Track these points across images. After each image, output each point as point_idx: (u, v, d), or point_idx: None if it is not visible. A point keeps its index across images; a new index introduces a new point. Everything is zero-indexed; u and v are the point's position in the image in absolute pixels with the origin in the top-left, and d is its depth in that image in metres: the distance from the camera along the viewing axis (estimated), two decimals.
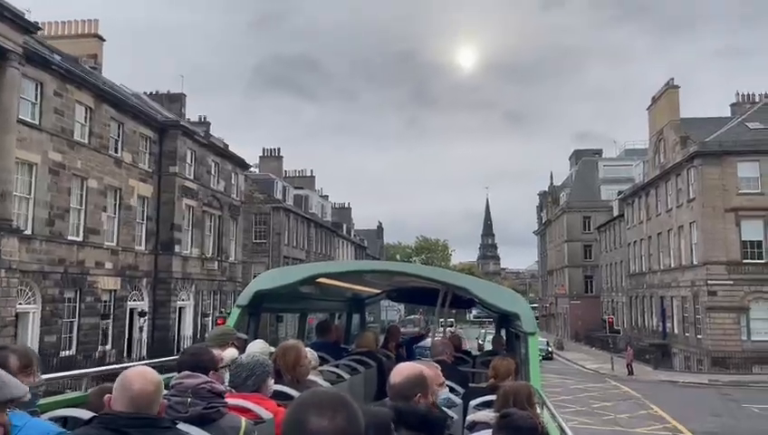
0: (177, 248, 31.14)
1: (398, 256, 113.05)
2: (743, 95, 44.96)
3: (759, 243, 35.17)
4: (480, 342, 42.17)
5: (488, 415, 3.76)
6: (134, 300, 28.80)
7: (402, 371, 2.99)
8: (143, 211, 29.74)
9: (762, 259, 35.00)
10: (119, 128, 27.65)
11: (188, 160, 32.91)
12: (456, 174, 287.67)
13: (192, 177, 33.12)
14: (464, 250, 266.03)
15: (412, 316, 78.12)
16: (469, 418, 4.06)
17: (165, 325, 30.15)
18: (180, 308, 31.84)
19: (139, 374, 2.32)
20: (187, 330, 32.09)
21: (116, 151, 27.43)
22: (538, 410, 4.09)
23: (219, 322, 25.56)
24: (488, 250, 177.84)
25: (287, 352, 3.97)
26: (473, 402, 4.57)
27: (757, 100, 43.44)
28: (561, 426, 3.91)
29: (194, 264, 33.23)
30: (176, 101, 39.46)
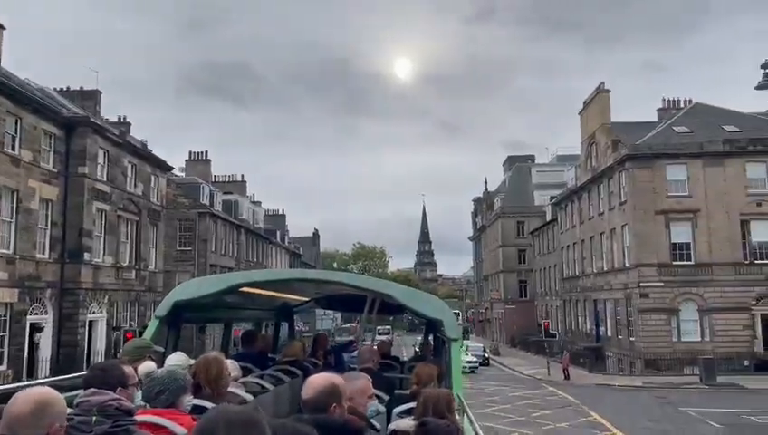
0: (86, 256, 28.46)
1: (335, 264, 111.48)
2: (668, 101, 46.00)
3: (687, 245, 35.61)
4: (416, 349, 41.17)
5: (409, 423, 3.64)
6: (35, 314, 26.00)
7: (313, 384, 2.87)
8: (47, 215, 26.97)
9: (690, 261, 35.45)
10: (16, 123, 24.90)
11: (100, 161, 30.26)
12: (393, 182, 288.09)
13: (105, 178, 30.48)
14: (401, 257, 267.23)
15: (348, 325, 76.54)
16: (390, 426, 3.99)
17: (72, 341, 27.39)
18: (91, 322, 29.10)
19: (22, 395, 2.19)
20: (99, 345, 29.37)
21: (12, 149, 24.66)
22: (458, 417, 4.04)
23: (128, 336, 23.33)
24: (425, 257, 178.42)
25: (210, 364, 3.73)
26: (396, 410, 4.52)
27: (682, 105, 44.51)
28: (477, 433, 3.83)
29: (107, 273, 30.56)
30: (90, 98, 36.53)
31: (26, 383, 4.04)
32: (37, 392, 2.23)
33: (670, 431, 18.91)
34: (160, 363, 4.28)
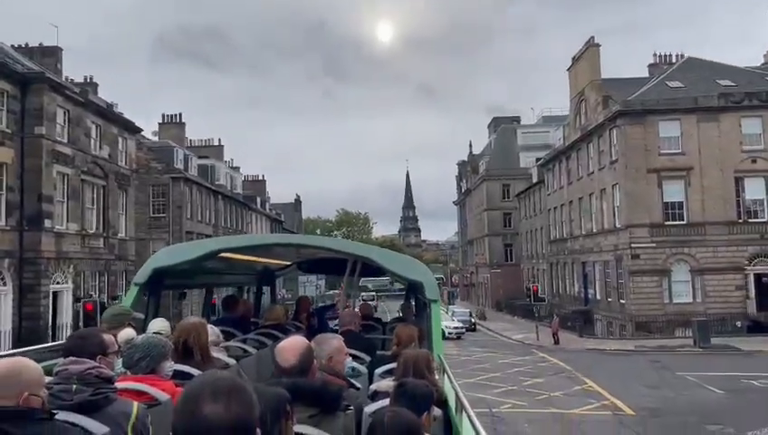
0: (47, 223, 26.57)
1: (318, 231, 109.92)
2: (660, 56, 44.46)
3: (680, 204, 34.48)
4: (399, 312, 40.09)
5: (390, 384, 3.62)
6: None
7: (293, 350, 2.84)
8: (1, 180, 24.96)
9: (683, 220, 34.36)
10: None
11: (60, 121, 28.12)
12: (376, 148, 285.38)
13: (66, 140, 28.38)
14: (385, 223, 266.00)
15: (332, 291, 75.45)
16: (372, 387, 4.07)
17: (35, 313, 25.68)
18: (55, 293, 27.38)
19: None
20: (66, 318, 27.68)
21: None
22: (437, 377, 4.11)
23: (88, 307, 21.75)
24: (409, 223, 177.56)
25: (199, 330, 3.80)
26: (378, 370, 4.52)
27: (674, 60, 42.99)
28: (456, 392, 3.66)
29: (72, 241, 28.71)
30: (50, 55, 34.22)
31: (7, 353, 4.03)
32: (2, 363, 2.19)
33: (670, 399, 17.84)
34: (141, 330, 4.24)
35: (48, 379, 2.41)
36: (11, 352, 4.28)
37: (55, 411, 2.30)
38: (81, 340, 3.12)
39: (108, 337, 3.23)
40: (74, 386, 2.55)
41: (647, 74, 43.32)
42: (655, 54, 44.57)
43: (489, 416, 15.26)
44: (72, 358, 2.75)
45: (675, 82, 37.40)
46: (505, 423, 15.17)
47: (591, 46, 39.96)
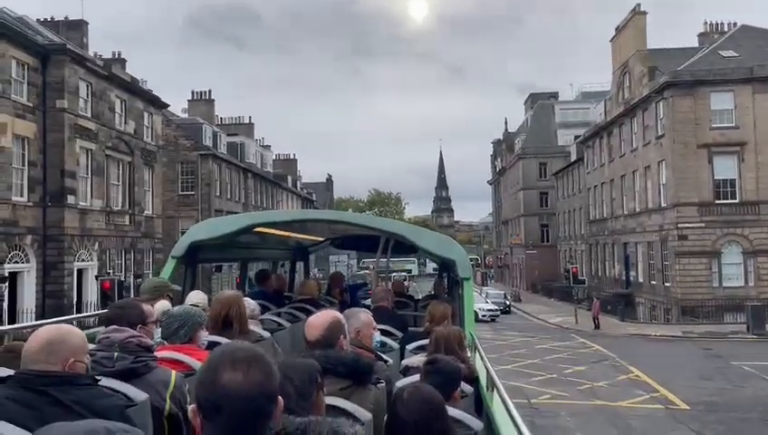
0: (71, 199, 26.01)
1: (350, 210, 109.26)
2: (710, 24, 41.75)
3: (732, 181, 32.28)
4: (430, 291, 38.92)
5: (422, 360, 3.62)
6: (15, 262, 23.77)
7: (318, 324, 2.87)
8: (23, 154, 24.38)
9: (735, 199, 32.19)
10: None
11: (83, 94, 27.43)
12: (409, 128, 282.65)
13: (89, 114, 27.70)
14: (418, 204, 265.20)
15: (362, 271, 74.70)
16: (404, 362, 4.13)
17: (58, 291, 25.21)
18: (80, 270, 26.92)
19: (37, 332, 2.23)
20: (90, 295, 27.18)
21: None
22: (469, 354, 4.16)
23: (105, 286, 21.06)
24: (442, 203, 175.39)
25: (239, 302, 3.84)
26: (409, 346, 4.59)
27: (726, 29, 40.28)
28: (487, 369, 3.64)
29: (96, 218, 28.17)
30: (75, 28, 33.57)
31: (46, 321, 3.93)
32: (49, 329, 2.24)
33: (728, 391, 16.28)
34: (179, 302, 4.28)
35: (90, 346, 2.46)
36: (46, 321, 4.24)
37: (99, 378, 2.31)
38: (120, 310, 3.18)
39: (147, 307, 3.31)
40: (116, 353, 2.61)
41: (696, 45, 40.80)
42: (705, 23, 41.90)
43: (527, 407, 13.98)
44: (113, 326, 2.82)
45: (728, 52, 34.89)
46: (545, 416, 13.88)
47: (637, 14, 37.57)
